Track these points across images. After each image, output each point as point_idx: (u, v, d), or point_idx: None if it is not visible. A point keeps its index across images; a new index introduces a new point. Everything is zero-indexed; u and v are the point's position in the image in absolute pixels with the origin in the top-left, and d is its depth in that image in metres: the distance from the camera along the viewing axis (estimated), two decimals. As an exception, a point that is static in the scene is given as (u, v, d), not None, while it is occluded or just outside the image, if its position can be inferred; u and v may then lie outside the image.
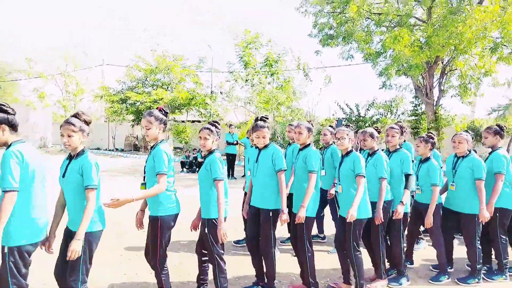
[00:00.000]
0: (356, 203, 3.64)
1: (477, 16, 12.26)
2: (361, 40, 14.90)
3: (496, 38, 13.84)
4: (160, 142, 3.33)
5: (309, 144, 3.99)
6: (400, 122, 4.65)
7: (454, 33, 12.58)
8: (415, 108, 18.11)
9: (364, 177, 3.74)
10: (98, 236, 2.97)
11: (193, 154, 15.44)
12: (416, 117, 17.90)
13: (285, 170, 3.72)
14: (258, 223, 3.79)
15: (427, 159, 4.33)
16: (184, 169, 14.87)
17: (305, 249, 3.79)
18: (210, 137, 3.47)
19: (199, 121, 22.60)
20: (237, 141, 13.11)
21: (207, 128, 3.51)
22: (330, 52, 46.12)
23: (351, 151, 3.86)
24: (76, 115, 2.93)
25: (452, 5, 14.02)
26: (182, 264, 4.70)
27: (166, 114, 3.42)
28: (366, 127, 13.05)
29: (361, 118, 17.42)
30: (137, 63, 22.03)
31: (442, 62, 15.67)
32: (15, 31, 56.18)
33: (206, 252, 3.59)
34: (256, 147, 3.90)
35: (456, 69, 15.79)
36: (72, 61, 31.32)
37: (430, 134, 4.46)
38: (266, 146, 3.80)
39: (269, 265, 3.80)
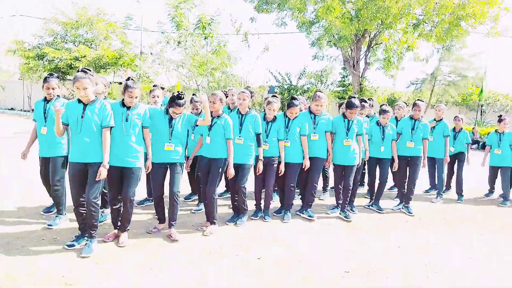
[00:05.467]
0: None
1: (403, -8, 12.88)
2: (296, 7, 14.93)
3: (419, 15, 14.73)
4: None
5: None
6: (249, 87, 4.93)
7: (382, 7, 13.13)
8: (343, 79, 18.91)
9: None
10: None
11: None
12: (344, 88, 18.73)
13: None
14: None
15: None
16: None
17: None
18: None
19: (127, 84, 21.24)
20: (167, 105, 12.61)
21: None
22: (265, 18, 45.87)
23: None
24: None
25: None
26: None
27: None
28: (297, 95, 13.39)
29: (293, 86, 17.78)
30: (55, 16, 19.90)
31: (369, 36, 16.37)
32: None
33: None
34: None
35: (381, 43, 16.62)
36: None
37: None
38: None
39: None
